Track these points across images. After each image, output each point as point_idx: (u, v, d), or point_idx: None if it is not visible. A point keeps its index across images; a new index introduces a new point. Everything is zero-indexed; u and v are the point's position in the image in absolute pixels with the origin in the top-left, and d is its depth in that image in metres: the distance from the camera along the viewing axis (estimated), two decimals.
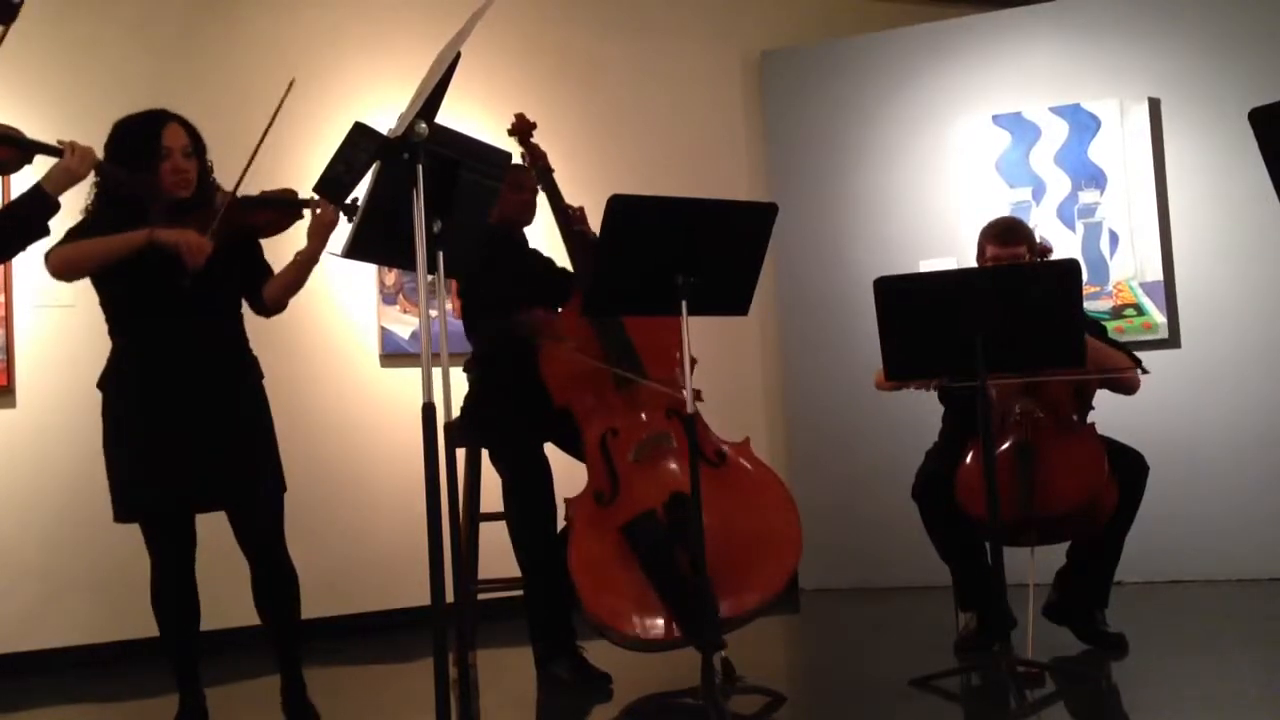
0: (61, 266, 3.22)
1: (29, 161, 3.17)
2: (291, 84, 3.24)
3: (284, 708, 3.40)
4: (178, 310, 3.25)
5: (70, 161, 3.09)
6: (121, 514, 3.28)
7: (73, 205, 3.27)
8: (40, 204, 3.10)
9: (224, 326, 3.38)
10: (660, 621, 3.52)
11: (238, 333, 3.42)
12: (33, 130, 3.20)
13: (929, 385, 4.00)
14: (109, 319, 3.35)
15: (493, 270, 3.90)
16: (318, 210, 3.35)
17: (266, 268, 3.46)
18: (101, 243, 3.19)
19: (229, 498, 3.30)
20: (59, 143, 3.12)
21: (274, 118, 3.23)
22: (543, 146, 4.24)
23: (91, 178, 3.23)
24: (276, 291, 3.42)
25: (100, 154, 3.22)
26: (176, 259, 3.16)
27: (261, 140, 3.23)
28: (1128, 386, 4.02)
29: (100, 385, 3.32)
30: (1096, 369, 3.91)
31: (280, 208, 3.40)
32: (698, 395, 3.54)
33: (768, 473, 3.82)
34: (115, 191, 3.25)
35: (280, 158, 3.55)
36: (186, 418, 3.23)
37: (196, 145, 3.32)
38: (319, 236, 3.35)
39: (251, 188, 3.36)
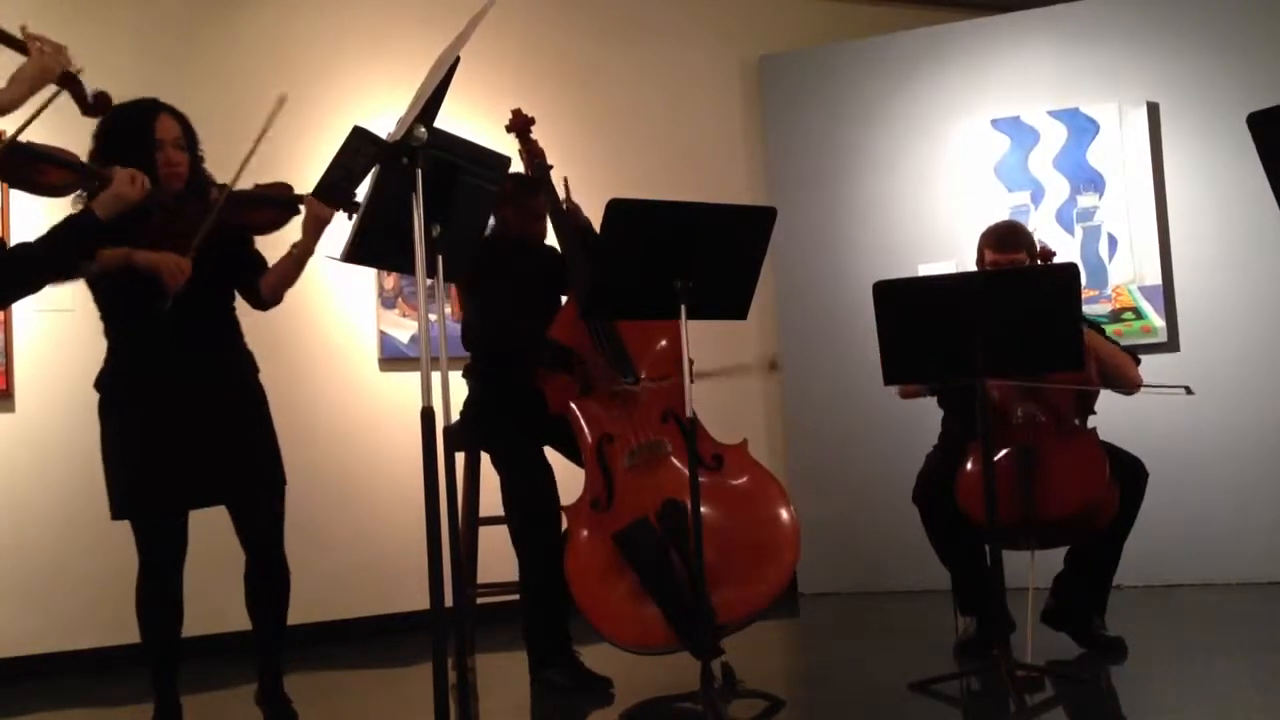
0: None
1: (81, 186, 3.14)
2: (282, 100, 3.22)
3: (262, 706, 3.39)
4: (168, 312, 3.23)
5: (124, 188, 3.06)
6: (119, 510, 3.26)
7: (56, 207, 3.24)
8: (95, 229, 3.06)
9: (216, 323, 3.38)
10: (657, 628, 3.52)
11: (231, 327, 3.42)
12: (32, 132, 3.18)
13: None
14: (104, 319, 3.35)
15: (502, 278, 3.89)
16: (314, 204, 3.31)
17: (261, 261, 3.45)
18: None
19: (228, 492, 3.30)
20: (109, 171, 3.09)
21: (263, 133, 3.21)
22: (541, 147, 4.24)
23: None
24: (273, 286, 3.42)
25: (90, 145, 3.21)
26: (156, 282, 3.14)
27: (251, 153, 3.22)
28: (1128, 386, 4.02)
29: (97, 385, 3.31)
30: (1098, 365, 3.92)
31: (276, 206, 3.38)
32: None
33: (765, 475, 3.81)
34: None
35: (279, 162, 3.54)
36: (182, 414, 3.23)
37: (189, 137, 3.32)
38: (314, 231, 3.33)
39: (247, 185, 3.35)
